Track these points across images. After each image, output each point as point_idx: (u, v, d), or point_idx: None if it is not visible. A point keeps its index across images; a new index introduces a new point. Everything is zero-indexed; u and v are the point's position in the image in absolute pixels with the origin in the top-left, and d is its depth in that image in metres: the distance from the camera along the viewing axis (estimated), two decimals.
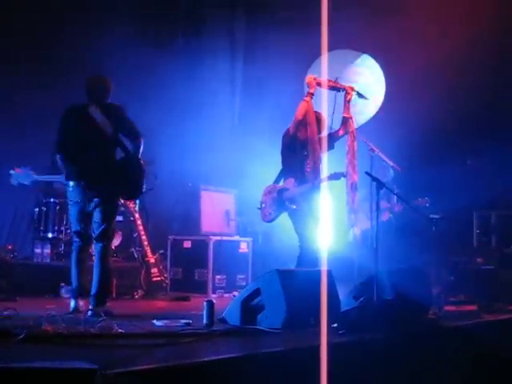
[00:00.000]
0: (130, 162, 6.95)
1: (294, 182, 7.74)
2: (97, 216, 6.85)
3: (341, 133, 7.77)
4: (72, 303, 6.83)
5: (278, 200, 7.78)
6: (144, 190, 7.19)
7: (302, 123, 7.65)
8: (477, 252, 11.36)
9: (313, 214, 7.66)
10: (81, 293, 6.87)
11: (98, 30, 10.22)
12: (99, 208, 6.82)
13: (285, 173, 7.91)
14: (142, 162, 7.00)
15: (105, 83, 7.10)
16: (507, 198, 11.29)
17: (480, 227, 11.84)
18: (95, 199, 6.81)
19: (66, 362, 3.39)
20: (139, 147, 6.91)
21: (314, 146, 7.69)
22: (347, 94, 7.75)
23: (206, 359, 4.28)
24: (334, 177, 7.59)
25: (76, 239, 7.00)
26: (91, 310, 6.61)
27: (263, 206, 7.93)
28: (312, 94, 7.66)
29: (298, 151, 7.75)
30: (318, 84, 7.67)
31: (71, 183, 6.84)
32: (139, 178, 7.07)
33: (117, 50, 10.44)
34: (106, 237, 6.91)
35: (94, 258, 7.06)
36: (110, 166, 6.88)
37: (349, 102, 7.73)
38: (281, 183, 7.95)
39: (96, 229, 6.87)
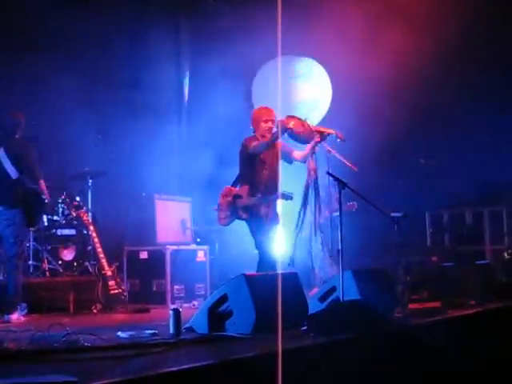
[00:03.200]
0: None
1: (248, 190, 7.67)
2: None
3: (298, 157, 7.71)
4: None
5: (233, 205, 7.69)
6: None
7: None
8: (431, 251, 11.48)
9: (267, 222, 7.64)
10: None
11: None
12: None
13: (241, 177, 7.83)
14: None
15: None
16: (459, 197, 11.43)
17: (433, 226, 11.97)
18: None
19: (44, 376, 3.24)
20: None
21: (272, 161, 7.67)
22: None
23: (176, 369, 4.15)
24: (284, 196, 7.54)
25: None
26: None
27: (220, 208, 7.82)
28: (277, 138, 7.57)
29: (256, 161, 7.70)
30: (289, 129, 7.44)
31: None
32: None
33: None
34: None
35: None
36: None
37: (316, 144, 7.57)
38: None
39: None
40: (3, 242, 7.81)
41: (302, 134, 7.49)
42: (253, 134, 7.85)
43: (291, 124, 7.40)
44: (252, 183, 7.68)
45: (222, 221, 7.84)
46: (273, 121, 7.73)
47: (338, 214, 6.63)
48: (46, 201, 7.79)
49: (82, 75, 10.53)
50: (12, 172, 7.46)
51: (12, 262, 7.63)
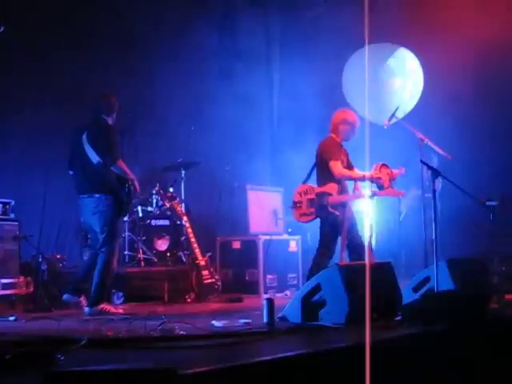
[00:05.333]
0: None
1: (338, 189, 7.70)
2: None
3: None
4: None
5: (318, 203, 7.71)
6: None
7: None
8: None
9: (344, 223, 7.67)
10: None
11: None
12: None
13: (323, 175, 7.84)
14: None
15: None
16: None
17: None
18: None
19: (145, 363, 3.31)
20: None
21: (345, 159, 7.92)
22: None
23: (270, 357, 4.18)
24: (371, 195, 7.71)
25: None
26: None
27: (298, 205, 7.86)
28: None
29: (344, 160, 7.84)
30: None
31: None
32: None
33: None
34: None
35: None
36: None
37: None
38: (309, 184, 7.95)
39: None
40: (90, 231, 7.77)
41: (383, 186, 7.61)
42: (330, 135, 7.95)
43: (382, 174, 7.56)
44: (338, 182, 7.73)
45: (304, 218, 7.89)
46: (354, 125, 7.90)
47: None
48: (133, 190, 7.48)
49: (170, 66, 10.65)
50: (93, 157, 7.35)
51: (100, 254, 7.41)
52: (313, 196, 7.75)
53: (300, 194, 7.86)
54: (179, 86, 10.74)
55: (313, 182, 7.95)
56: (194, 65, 11.09)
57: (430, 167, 6.43)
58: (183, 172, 10.14)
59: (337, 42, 11.71)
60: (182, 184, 10.14)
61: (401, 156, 8.63)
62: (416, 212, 8.80)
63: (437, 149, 8.04)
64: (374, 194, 7.68)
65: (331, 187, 7.69)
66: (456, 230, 10.30)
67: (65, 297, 7.41)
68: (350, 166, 7.92)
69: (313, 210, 7.74)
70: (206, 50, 11.40)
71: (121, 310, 7.35)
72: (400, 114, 8.63)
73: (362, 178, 7.73)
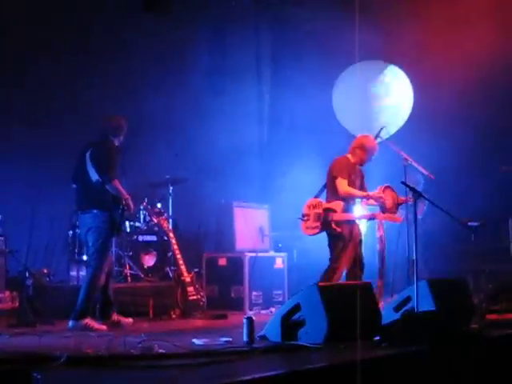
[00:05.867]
0: None
1: (343, 207, 7.90)
2: None
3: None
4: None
5: (324, 218, 7.93)
6: None
7: None
8: None
9: (352, 240, 7.95)
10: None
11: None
12: None
13: (332, 192, 8.07)
14: None
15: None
16: None
17: None
18: None
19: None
20: None
21: (356, 181, 8.13)
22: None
23: (249, 377, 4.21)
24: (371, 217, 8.05)
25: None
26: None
27: (306, 218, 8.05)
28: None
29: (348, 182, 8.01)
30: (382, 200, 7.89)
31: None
32: None
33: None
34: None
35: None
36: None
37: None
38: (321, 198, 8.21)
39: None
40: (87, 247, 7.92)
41: (386, 207, 7.85)
42: (346, 155, 8.17)
43: (385, 196, 7.81)
44: (345, 200, 7.96)
45: (310, 231, 8.12)
46: (371, 152, 8.18)
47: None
48: (126, 209, 7.66)
49: (159, 83, 10.70)
50: (93, 175, 7.54)
51: (88, 268, 7.70)
52: (320, 211, 8.00)
53: (309, 208, 8.12)
54: (169, 101, 10.78)
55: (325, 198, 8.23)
56: (184, 81, 11.14)
57: (411, 188, 6.49)
58: (171, 188, 10.19)
59: (327, 60, 11.77)
60: (170, 200, 10.18)
61: (386, 176, 8.69)
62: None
63: (420, 169, 8.12)
64: (372, 217, 7.96)
65: (337, 204, 7.95)
66: (441, 248, 10.36)
67: (71, 324, 7.32)
68: (362, 188, 8.14)
69: (318, 224, 7.99)
70: (196, 67, 11.47)
71: (104, 327, 7.38)
72: (385, 135, 8.72)
73: (365, 197, 7.96)
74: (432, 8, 10.87)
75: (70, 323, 7.28)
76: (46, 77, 9.58)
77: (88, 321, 7.29)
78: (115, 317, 7.65)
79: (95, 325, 7.32)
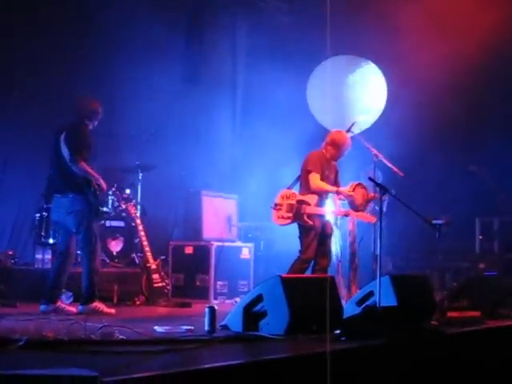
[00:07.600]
0: None
1: (317, 201, 7.97)
2: None
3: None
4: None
5: (297, 210, 7.97)
6: None
7: None
8: (479, 258, 11.35)
9: (322, 233, 8.04)
10: None
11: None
12: None
13: (306, 186, 8.11)
14: None
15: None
16: (510, 204, 11.26)
17: (482, 233, 11.81)
18: None
19: (65, 369, 3.34)
20: None
21: (330, 175, 8.24)
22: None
23: (207, 366, 4.22)
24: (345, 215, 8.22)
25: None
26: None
27: (278, 208, 8.08)
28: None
29: (322, 177, 8.07)
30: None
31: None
32: None
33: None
34: None
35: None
36: None
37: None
38: (294, 189, 8.23)
39: None
40: (63, 232, 7.71)
41: (355, 204, 7.92)
42: (321, 149, 8.21)
43: (355, 193, 7.88)
44: (319, 194, 8.03)
45: (281, 221, 8.15)
46: (342, 149, 8.23)
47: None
48: (99, 189, 7.53)
49: (133, 67, 10.65)
50: (67, 158, 7.42)
51: (82, 256, 7.60)
52: (293, 202, 8.03)
53: (282, 198, 8.15)
54: (142, 88, 10.75)
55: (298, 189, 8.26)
56: (159, 69, 11.10)
57: (377, 184, 6.53)
58: (140, 174, 10.17)
59: (303, 52, 11.79)
60: (139, 186, 10.17)
61: (354, 171, 8.77)
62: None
63: (390, 165, 8.18)
64: (346, 215, 8.08)
65: (311, 198, 8.00)
66: (408, 244, 10.45)
67: (42, 308, 7.28)
68: (335, 183, 8.21)
69: (290, 214, 8.02)
70: (171, 55, 11.42)
71: (112, 311, 7.45)
72: (356, 130, 8.76)
73: (335, 193, 8.03)
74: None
75: (80, 308, 7.34)
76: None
77: (97, 304, 7.36)
78: (60, 303, 7.44)
79: (104, 308, 7.39)
